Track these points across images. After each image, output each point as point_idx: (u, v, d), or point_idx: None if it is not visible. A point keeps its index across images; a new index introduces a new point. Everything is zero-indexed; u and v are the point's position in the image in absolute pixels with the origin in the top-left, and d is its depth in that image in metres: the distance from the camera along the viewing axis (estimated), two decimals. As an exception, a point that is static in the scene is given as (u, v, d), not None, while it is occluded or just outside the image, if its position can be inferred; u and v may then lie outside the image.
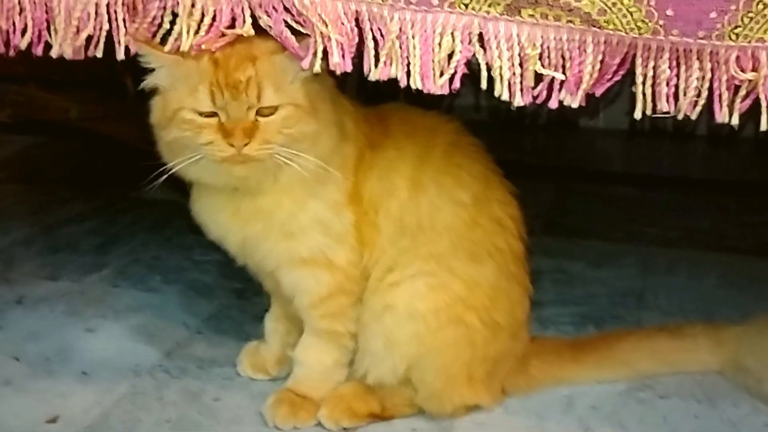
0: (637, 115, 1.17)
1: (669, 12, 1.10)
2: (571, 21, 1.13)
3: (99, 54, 1.32)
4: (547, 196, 2.40)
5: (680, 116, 1.15)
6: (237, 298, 1.87)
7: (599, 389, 1.55)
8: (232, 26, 1.26)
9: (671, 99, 1.15)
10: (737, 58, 1.11)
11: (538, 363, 1.55)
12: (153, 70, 1.32)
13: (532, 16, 1.15)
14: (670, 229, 2.21)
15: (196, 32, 1.26)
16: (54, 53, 1.33)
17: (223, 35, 1.27)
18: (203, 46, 1.27)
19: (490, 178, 1.48)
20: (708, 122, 2.59)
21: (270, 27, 1.24)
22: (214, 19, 1.26)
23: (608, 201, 2.41)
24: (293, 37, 1.23)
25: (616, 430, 1.46)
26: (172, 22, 1.29)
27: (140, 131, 2.76)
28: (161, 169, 1.36)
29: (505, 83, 1.18)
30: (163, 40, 1.30)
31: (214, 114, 1.29)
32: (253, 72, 1.27)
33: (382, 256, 1.42)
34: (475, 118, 2.51)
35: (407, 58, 1.20)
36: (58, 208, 2.32)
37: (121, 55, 1.31)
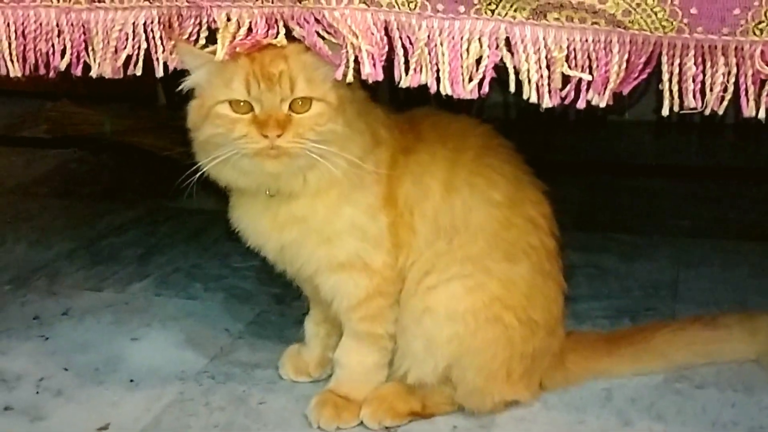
0: (665, 112, 1.19)
1: (693, 10, 1.12)
2: (596, 23, 1.16)
3: (138, 72, 1.36)
4: (577, 191, 2.41)
5: (707, 112, 1.17)
6: (276, 303, 1.91)
7: (637, 381, 1.57)
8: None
9: (698, 95, 1.17)
10: (762, 52, 1.12)
11: (574, 357, 1.57)
12: (190, 73, 1.37)
13: (557, 19, 1.17)
14: (702, 220, 2.22)
15: (231, 42, 1.30)
16: (93, 73, 1.38)
17: (258, 42, 1.31)
18: (237, 49, 1.30)
19: (521, 179, 1.50)
20: (736, 112, 2.61)
21: (303, 37, 1.27)
22: (249, 30, 1.30)
23: (638, 194, 2.42)
24: (326, 47, 1.26)
25: (655, 422, 1.48)
26: (207, 38, 1.33)
27: (173, 142, 2.82)
28: (193, 168, 1.40)
29: (533, 86, 1.20)
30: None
31: (248, 109, 1.32)
32: (285, 66, 1.31)
33: (419, 258, 1.45)
34: (504, 116, 2.54)
35: (436, 64, 1.23)
36: (98, 220, 2.37)
37: (159, 72, 1.35)
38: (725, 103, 1.17)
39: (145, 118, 3.04)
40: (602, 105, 1.20)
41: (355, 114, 1.38)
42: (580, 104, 1.20)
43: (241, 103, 1.33)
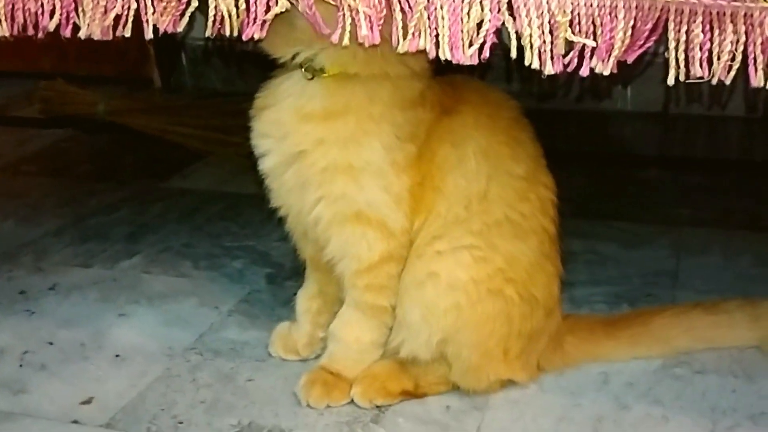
0: (671, 81, 1.15)
1: (701, -26, 1.08)
2: (601, -14, 1.12)
3: (127, 33, 1.32)
4: (579, 180, 2.38)
5: (714, 81, 1.13)
6: (268, 282, 1.87)
7: (635, 366, 1.53)
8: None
9: (705, 64, 1.13)
10: (772, 19, 1.09)
11: (572, 339, 1.54)
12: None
13: (561, -18, 1.13)
14: (704, 210, 2.18)
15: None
16: (82, 34, 1.33)
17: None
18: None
19: (539, 161, 1.48)
20: (745, 99, 2.58)
21: (297, 1, 1.23)
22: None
23: (640, 184, 2.39)
24: (320, 12, 1.22)
25: (653, 406, 1.44)
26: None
27: (167, 124, 2.80)
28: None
29: (536, 51, 1.16)
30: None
31: None
32: None
33: (435, 221, 1.40)
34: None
35: (436, 29, 1.19)
36: (89, 199, 2.33)
37: (149, 34, 1.31)
38: (733, 72, 1.13)
39: (140, 100, 3.02)
40: (606, 73, 1.16)
41: None
42: (583, 71, 1.16)
43: None
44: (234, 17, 1.26)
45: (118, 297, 1.83)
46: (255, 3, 1.25)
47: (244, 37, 1.25)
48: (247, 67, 3.00)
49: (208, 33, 1.26)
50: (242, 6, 1.25)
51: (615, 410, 1.43)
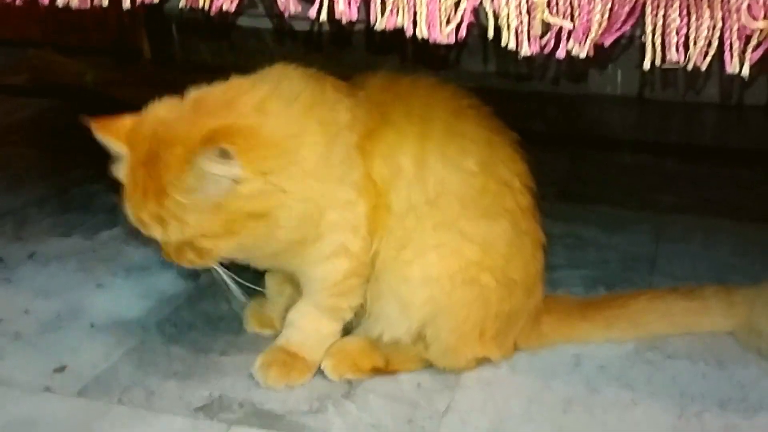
0: (646, 65, 1.14)
1: (679, -42, 1.08)
2: (579, -32, 1.11)
3: (105, 3, 1.31)
4: (561, 164, 2.38)
5: (690, 66, 1.13)
6: (246, 257, 1.87)
7: (607, 349, 1.54)
8: None
9: (681, 49, 1.13)
10: (749, 6, 1.08)
11: (550, 320, 1.54)
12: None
13: (540, -38, 1.13)
14: (685, 197, 2.18)
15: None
16: (59, 2, 1.32)
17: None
18: None
19: (493, 141, 1.46)
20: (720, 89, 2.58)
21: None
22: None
23: (623, 169, 2.38)
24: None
25: (624, 390, 1.45)
26: None
27: (155, 96, 2.78)
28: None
29: (512, 32, 1.16)
30: None
31: None
32: None
33: (389, 235, 1.42)
34: (487, 85, 2.51)
35: (414, 6, 1.18)
36: (72, 170, 2.32)
37: (126, 4, 1.30)
38: (708, 58, 1.13)
39: (129, 72, 3.01)
40: (582, 56, 1.16)
41: None
42: (560, 54, 1.16)
43: None
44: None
45: (96, 268, 1.83)
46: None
47: (213, 9, 1.24)
48: (237, 40, 2.99)
49: (181, 4, 1.26)
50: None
51: (585, 393, 1.44)
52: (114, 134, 1.36)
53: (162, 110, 1.36)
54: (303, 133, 1.34)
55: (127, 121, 1.37)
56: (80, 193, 2.19)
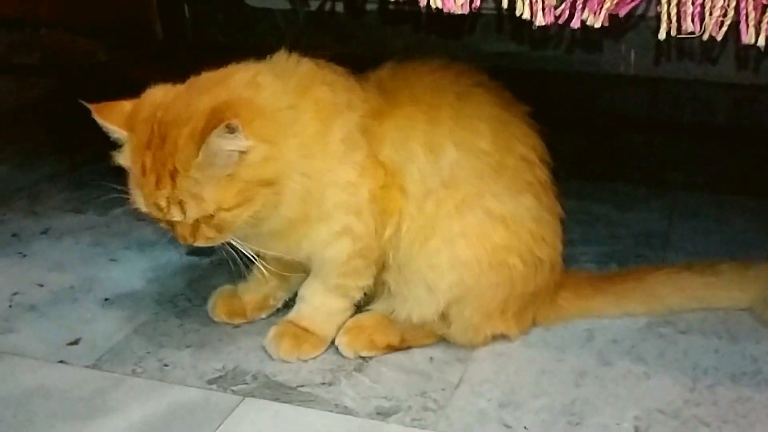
0: (661, 35, 1.14)
1: (696, -74, 1.07)
2: (595, -64, 1.11)
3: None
4: (575, 144, 2.37)
5: (705, 36, 1.13)
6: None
7: (620, 324, 1.54)
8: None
9: (697, 19, 1.13)
10: (765, -25, 1.08)
11: (566, 294, 1.54)
12: None
13: (555, -70, 1.12)
14: (698, 174, 2.18)
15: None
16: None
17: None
18: None
19: (505, 118, 1.46)
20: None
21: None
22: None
23: (635, 147, 2.38)
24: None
25: (636, 363, 1.45)
26: None
27: (167, 75, 2.78)
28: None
29: (527, 2, 1.16)
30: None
31: None
32: None
33: (412, 223, 1.41)
34: (502, 65, 2.50)
35: (428, -23, 1.18)
36: (85, 148, 2.32)
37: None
38: (724, 28, 1.12)
39: (141, 51, 3.01)
40: (597, 26, 1.15)
41: None
42: (575, 23, 1.15)
43: None
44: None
45: (110, 242, 1.84)
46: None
47: None
48: (249, 20, 2.98)
49: None
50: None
51: (597, 366, 1.44)
52: (114, 119, 1.36)
53: (159, 94, 1.36)
54: (297, 108, 1.34)
55: (126, 106, 1.37)
56: (93, 169, 2.19)
